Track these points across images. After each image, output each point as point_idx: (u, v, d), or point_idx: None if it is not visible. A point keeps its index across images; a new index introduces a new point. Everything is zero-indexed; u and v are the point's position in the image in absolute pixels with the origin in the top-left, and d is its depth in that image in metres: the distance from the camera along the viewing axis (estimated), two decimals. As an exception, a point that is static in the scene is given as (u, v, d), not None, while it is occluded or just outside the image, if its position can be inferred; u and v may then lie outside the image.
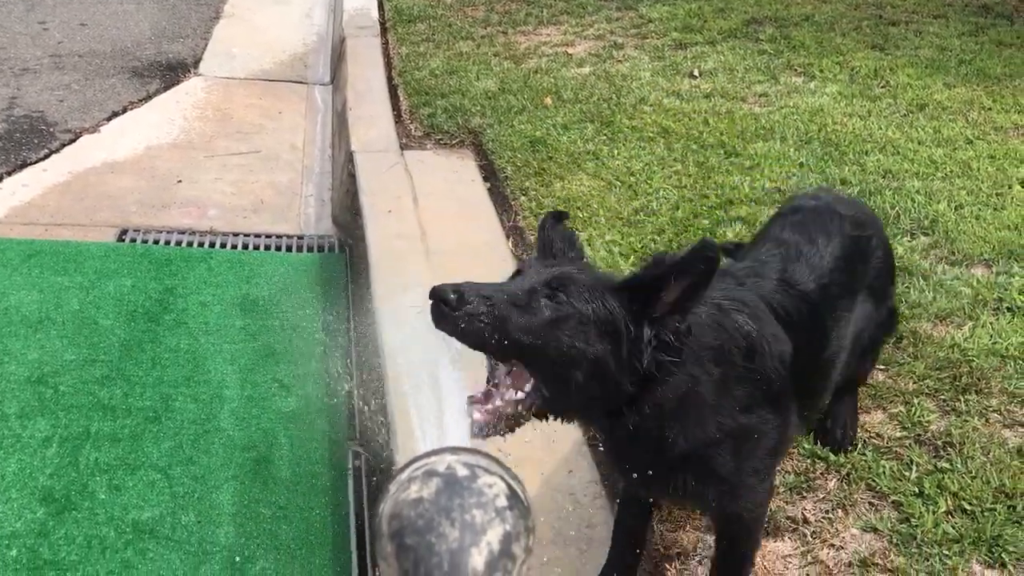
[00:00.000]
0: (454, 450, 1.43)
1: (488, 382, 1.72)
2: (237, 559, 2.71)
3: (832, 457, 2.60)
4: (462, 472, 1.36)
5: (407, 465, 1.40)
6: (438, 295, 1.62)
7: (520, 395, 1.69)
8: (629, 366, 1.71)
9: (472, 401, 1.72)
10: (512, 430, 1.72)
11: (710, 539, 2.35)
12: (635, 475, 1.97)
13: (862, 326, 2.35)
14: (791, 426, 2.08)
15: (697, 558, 2.37)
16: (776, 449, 2.04)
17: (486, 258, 3.79)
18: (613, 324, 1.69)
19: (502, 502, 1.34)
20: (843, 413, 2.67)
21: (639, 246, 3.71)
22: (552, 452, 2.73)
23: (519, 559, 1.36)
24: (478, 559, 1.31)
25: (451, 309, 1.61)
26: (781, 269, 2.20)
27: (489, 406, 1.70)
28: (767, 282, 2.15)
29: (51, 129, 5.43)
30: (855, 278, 2.32)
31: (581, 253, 1.93)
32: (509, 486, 1.38)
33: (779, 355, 1.99)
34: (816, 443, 2.66)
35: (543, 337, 1.65)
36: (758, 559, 2.31)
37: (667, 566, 2.36)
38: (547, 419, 1.79)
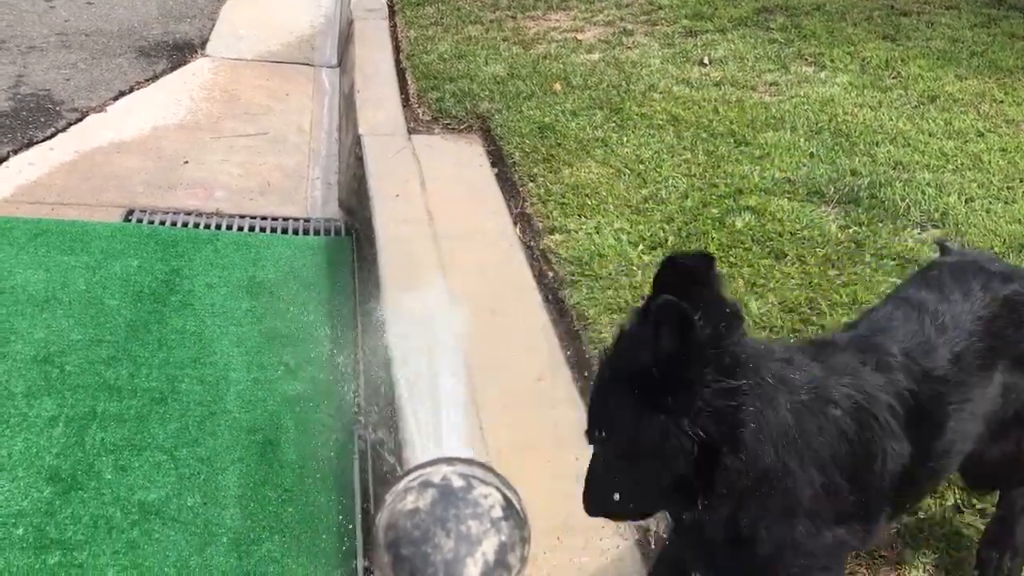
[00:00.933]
0: (450, 460, 1.43)
1: None
2: (242, 541, 2.72)
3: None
4: (458, 483, 1.36)
5: (404, 475, 1.41)
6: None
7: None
8: (706, 482, 1.49)
9: None
10: None
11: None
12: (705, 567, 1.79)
13: (1001, 404, 1.92)
14: (875, 533, 1.79)
15: None
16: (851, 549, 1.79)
17: (493, 243, 3.78)
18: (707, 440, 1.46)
19: (497, 513, 1.33)
20: (1010, 536, 2.16)
21: (648, 234, 3.69)
22: (560, 441, 2.72)
23: (514, 569, 1.36)
24: (473, 569, 1.30)
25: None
26: (904, 341, 1.80)
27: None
28: (886, 360, 1.75)
29: (57, 108, 5.41)
30: (999, 346, 1.88)
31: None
32: (505, 496, 1.38)
33: (891, 472, 1.69)
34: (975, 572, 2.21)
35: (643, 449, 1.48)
36: None
37: None
38: None
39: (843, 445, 1.60)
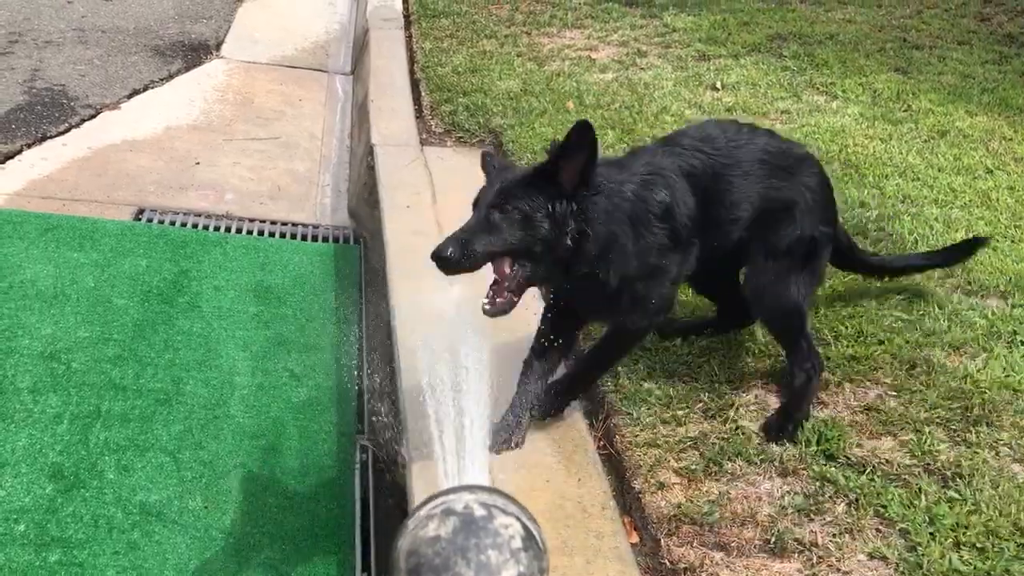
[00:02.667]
0: (472, 488, 1.45)
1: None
2: (242, 547, 2.72)
3: (841, 480, 2.61)
4: (479, 512, 1.37)
5: (426, 501, 1.42)
6: (439, 255, 2.34)
7: (510, 270, 2.42)
8: (564, 232, 2.38)
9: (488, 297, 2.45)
10: (516, 302, 2.45)
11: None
12: (584, 307, 2.72)
13: (767, 208, 2.81)
14: (690, 261, 2.73)
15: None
16: (676, 279, 2.72)
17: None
18: (544, 208, 2.35)
19: (517, 543, 1.35)
20: (784, 401, 2.91)
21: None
22: (563, 460, 2.74)
23: None
24: None
25: (449, 261, 2.33)
26: (697, 135, 2.78)
27: (500, 297, 2.44)
28: (680, 147, 2.73)
29: (72, 103, 5.44)
30: (776, 162, 2.82)
31: (507, 163, 2.72)
32: (525, 527, 1.39)
33: (687, 214, 2.64)
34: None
35: (509, 239, 2.35)
36: (764, 579, 2.32)
37: None
38: (530, 287, 2.51)
39: (652, 204, 2.57)
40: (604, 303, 2.64)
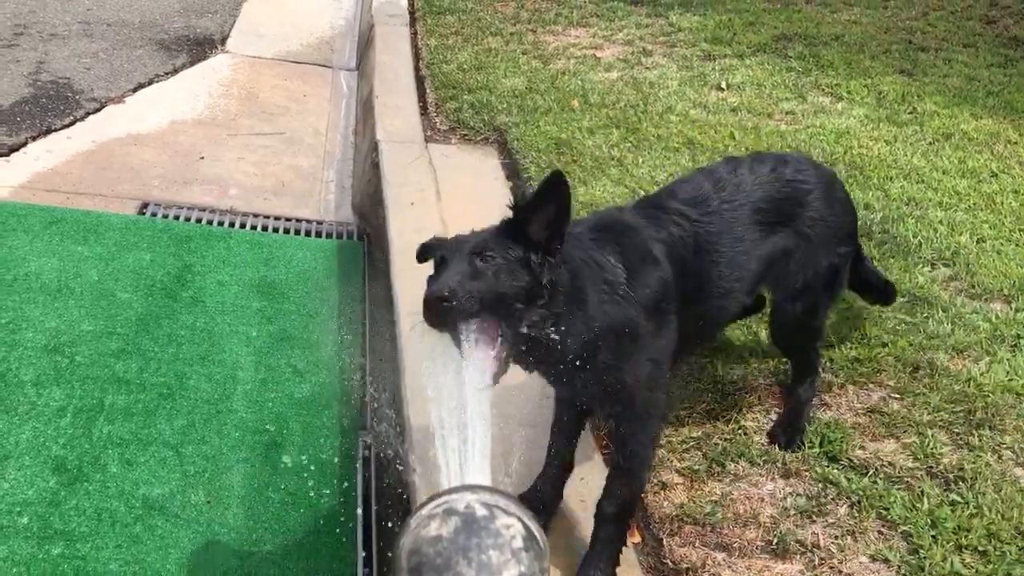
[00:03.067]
0: (473, 488, 1.45)
1: (462, 348, 2.07)
2: (244, 542, 2.73)
3: (844, 482, 2.61)
4: (481, 512, 1.38)
5: (428, 501, 1.42)
6: (438, 296, 2.01)
7: (499, 342, 2.08)
8: (540, 283, 2.14)
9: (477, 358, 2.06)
10: (505, 372, 2.13)
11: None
12: (557, 378, 2.35)
13: (785, 261, 2.63)
14: (670, 337, 2.40)
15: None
16: (657, 359, 2.36)
17: (506, 258, 3.79)
18: (523, 258, 2.13)
19: (518, 543, 1.35)
20: (797, 412, 2.85)
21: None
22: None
23: None
24: None
25: (448, 303, 1.99)
26: (683, 197, 2.54)
27: (492, 359, 2.07)
28: (661, 214, 2.50)
29: (77, 97, 5.43)
30: (774, 213, 2.59)
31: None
32: (527, 527, 1.40)
33: (656, 280, 2.36)
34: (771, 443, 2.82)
35: (495, 287, 2.07)
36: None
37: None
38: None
39: (608, 269, 2.30)
40: (578, 377, 2.29)
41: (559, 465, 2.60)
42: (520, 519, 1.37)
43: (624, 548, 2.38)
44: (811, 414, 2.87)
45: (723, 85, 5.66)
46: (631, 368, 2.31)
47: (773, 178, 2.63)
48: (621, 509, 2.35)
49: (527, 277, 2.12)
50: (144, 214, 4.40)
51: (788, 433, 2.80)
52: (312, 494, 2.94)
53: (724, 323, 2.94)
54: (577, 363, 2.23)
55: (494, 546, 1.32)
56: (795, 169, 2.67)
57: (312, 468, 3.05)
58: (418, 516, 1.38)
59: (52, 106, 5.25)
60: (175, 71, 6.08)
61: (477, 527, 1.34)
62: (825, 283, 2.74)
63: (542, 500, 2.58)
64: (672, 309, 2.39)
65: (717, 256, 2.50)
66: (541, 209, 2.13)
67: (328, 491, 2.96)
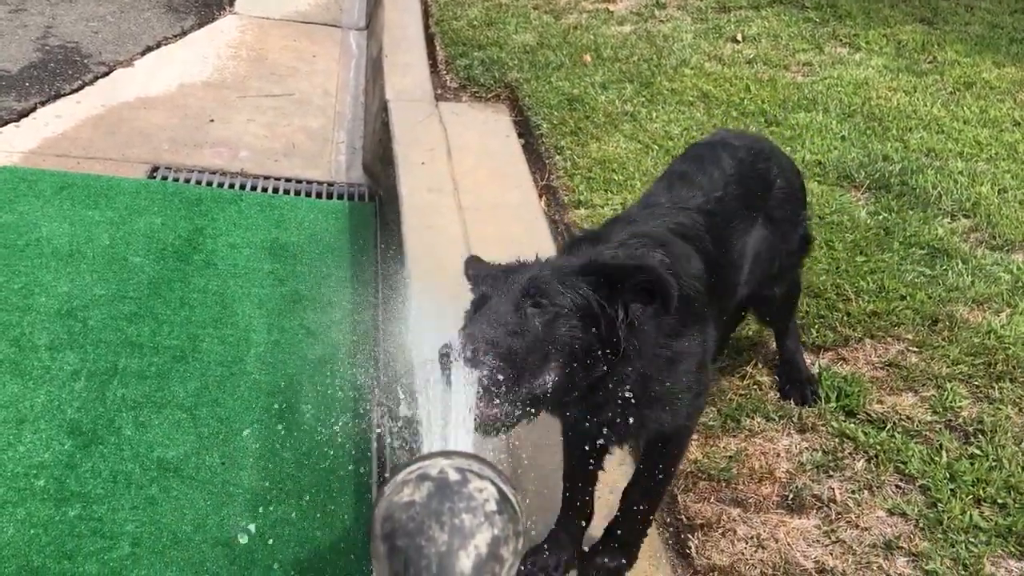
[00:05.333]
0: (447, 454, 1.44)
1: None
2: (259, 503, 2.73)
3: (861, 437, 2.58)
4: (454, 476, 1.37)
5: (402, 467, 1.42)
6: (443, 355, 1.62)
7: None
8: (608, 344, 1.79)
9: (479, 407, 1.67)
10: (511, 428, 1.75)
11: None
12: (605, 432, 2.01)
13: (765, 249, 2.46)
14: (712, 338, 2.17)
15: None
16: (702, 363, 2.10)
17: (518, 216, 3.76)
18: (589, 308, 1.77)
19: (491, 507, 1.34)
20: (794, 365, 2.82)
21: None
22: (550, 444, 2.71)
23: (507, 562, 1.36)
24: (466, 562, 1.31)
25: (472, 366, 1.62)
26: (672, 196, 2.33)
27: (494, 411, 1.68)
28: (660, 208, 2.28)
29: (85, 61, 5.40)
30: (751, 199, 2.42)
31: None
32: (500, 490, 1.39)
33: (694, 273, 2.10)
34: (787, 401, 2.78)
35: (544, 346, 1.71)
36: (781, 534, 2.31)
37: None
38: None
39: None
40: (622, 415, 1.97)
41: (577, 513, 2.27)
42: (494, 482, 1.36)
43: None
44: (806, 361, 2.86)
45: (738, 37, 5.55)
46: (681, 385, 2.03)
47: (740, 165, 2.45)
48: (654, 501, 2.17)
49: (591, 334, 1.76)
50: (155, 178, 4.38)
51: (798, 388, 2.77)
52: (326, 454, 2.94)
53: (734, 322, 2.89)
54: (620, 404, 1.93)
55: (467, 509, 1.31)
56: (750, 152, 2.51)
57: (326, 429, 3.04)
58: (392, 483, 1.37)
59: (61, 71, 5.22)
60: (183, 33, 6.02)
61: (450, 491, 1.33)
62: (799, 255, 2.71)
63: (560, 549, 2.25)
64: (708, 310, 2.16)
65: (729, 249, 2.34)
66: (637, 289, 1.79)
67: (342, 451, 2.96)
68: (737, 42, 5.50)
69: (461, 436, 1.61)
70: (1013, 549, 2.24)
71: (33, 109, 4.79)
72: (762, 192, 2.47)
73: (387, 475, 1.32)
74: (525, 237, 3.52)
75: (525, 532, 1.42)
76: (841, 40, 5.54)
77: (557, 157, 4.16)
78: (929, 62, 5.20)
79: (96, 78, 5.23)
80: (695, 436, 2.62)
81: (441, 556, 1.30)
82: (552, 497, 2.29)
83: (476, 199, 3.83)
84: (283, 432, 3.00)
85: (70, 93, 5.01)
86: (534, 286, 1.77)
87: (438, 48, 5.50)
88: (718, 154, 2.46)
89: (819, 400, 2.73)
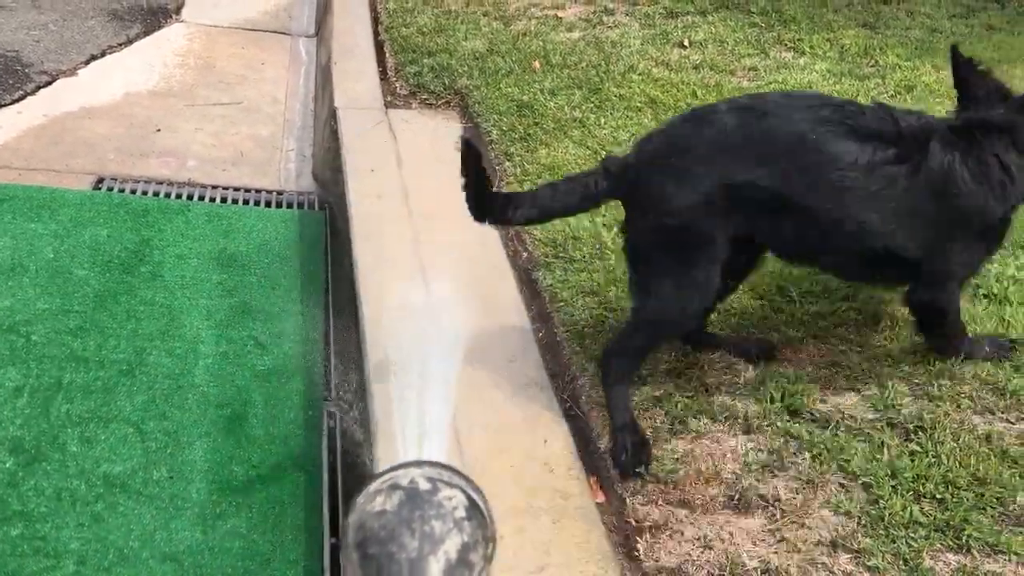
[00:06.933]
0: (419, 464, 1.51)
1: None
2: (208, 516, 2.71)
3: (805, 436, 2.63)
4: (424, 485, 1.43)
5: (376, 477, 1.48)
6: None
7: None
8: None
9: None
10: None
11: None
12: None
13: None
14: None
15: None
16: None
17: (469, 223, 3.75)
18: None
19: (460, 513, 1.40)
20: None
21: (622, 217, 3.69)
22: (528, 421, 2.74)
23: (477, 567, 1.43)
24: (435, 567, 1.34)
25: None
26: None
27: None
28: None
29: (26, 70, 5.30)
30: None
31: None
32: (469, 498, 1.45)
33: None
34: None
35: None
36: (727, 534, 2.34)
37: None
38: None
39: None
40: None
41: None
42: (463, 490, 1.42)
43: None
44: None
45: (685, 43, 5.61)
46: None
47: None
48: None
49: None
50: (100, 189, 4.32)
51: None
52: (277, 466, 2.92)
53: None
54: None
55: (436, 516, 1.36)
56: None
57: (276, 441, 3.02)
58: (365, 493, 1.43)
59: (0, 80, 5.12)
60: (129, 42, 5.93)
61: (420, 500, 1.38)
62: None
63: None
64: None
65: None
66: None
67: (293, 463, 2.95)
68: (684, 47, 5.56)
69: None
70: (951, 543, 2.29)
71: (-28, 120, 4.70)
72: None
73: (360, 487, 1.39)
74: (476, 244, 3.54)
75: (495, 538, 1.47)
76: (786, 45, 5.63)
77: (507, 163, 4.18)
78: (871, 66, 5.31)
79: (38, 87, 5.14)
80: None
81: (412, 562, 1.34)
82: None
83: (427, 206, 3.83)
84: (232, 444, 2.98)
85: (11, 103, 4.92)
86: None
87: (388, 55, 5.49)
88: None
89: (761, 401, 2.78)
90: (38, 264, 3.65)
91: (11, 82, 5.12)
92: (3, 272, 3.57)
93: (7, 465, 2.76)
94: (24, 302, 3.43)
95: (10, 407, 2.96)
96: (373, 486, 1.43)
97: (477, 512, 1.38)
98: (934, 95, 4.88)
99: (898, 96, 4.89)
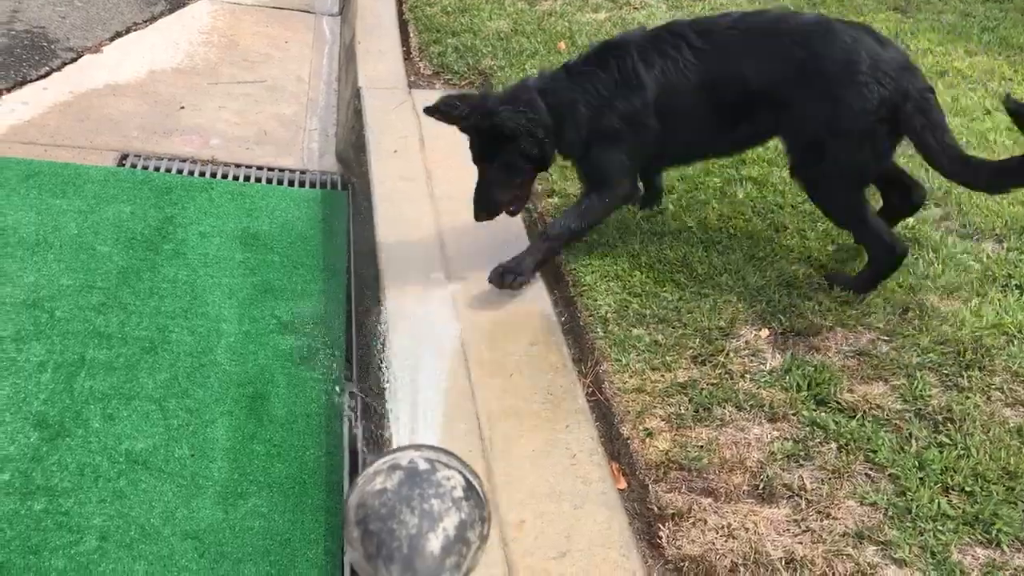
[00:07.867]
0: (418, 447, 1.55)
1: None
2: (229, 495, 2.71)
3: (831, 425, 2.59)
4: (423, 466, 1.48)
5: (374, 460, 1.51)
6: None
7: None
8: None
9: None
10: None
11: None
12: None
13: None
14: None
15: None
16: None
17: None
18: None
19: (459, 493, 1.44)
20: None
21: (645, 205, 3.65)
22: (551, 407, 2.71)
23: (474, 545, 1.47)
24: (435, 543, 1.41)
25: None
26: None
27: None
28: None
29: (52, 46, 5.30)
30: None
31: None
32: (466, 479, 1.49)
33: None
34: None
35: None
36: (752, 524, 2.32)
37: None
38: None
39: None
40: None
41: None
42: (460, 472, 1.49)
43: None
44: None
45: (713, 25, 5.53)
46: None
47: None
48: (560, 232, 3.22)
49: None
50: (124, 165, 4.32)
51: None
52: (297, 446, 2.92)
53: None
54: None
55: (435, 495, 1.43)
56: None
57: (298, 420, 3.02)
58: (365, 474, 1.48)
59: (27, 56, 5.13)
60: (153, 19, 5.93)
61: (419, 479, 1.44)
62: None
63: None
64: None
65: None
66: None
67: (314, 442, 2.95)
68: (712, 30, 5.48)
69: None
70: (980, 536, 2.26)
71: (-1, 95, 4.71)
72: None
73: (360, 468, 1.44)
74: (498, 226, 3.51)
75: (490, 519, 1.52)
76: (815, 28, 5.53)
77: (531, 145, 4.13)
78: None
79: (63, 64, 5.14)
80: (665, 426, 2.63)
81: (412, 538, 1.39)
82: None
83: (449, 188, 3.80)
84: (254, 423, 2.98)
85: (37, 79, 4.92)
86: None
87: (412, 35, 5.45)
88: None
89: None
90: (62, 240, 3.66)
91: (37, 58, 5.12)
92: (28, 247, 3.58)
93: (32, 439, 2.77)
94: (48, 278, 3.44)
95: (34, 382, 2.97)
96: (373, 467, 1.50)
97: (474, 493, 1.44)
98: (966, 80, 4.80)
99: (929, 81, 4.79)
